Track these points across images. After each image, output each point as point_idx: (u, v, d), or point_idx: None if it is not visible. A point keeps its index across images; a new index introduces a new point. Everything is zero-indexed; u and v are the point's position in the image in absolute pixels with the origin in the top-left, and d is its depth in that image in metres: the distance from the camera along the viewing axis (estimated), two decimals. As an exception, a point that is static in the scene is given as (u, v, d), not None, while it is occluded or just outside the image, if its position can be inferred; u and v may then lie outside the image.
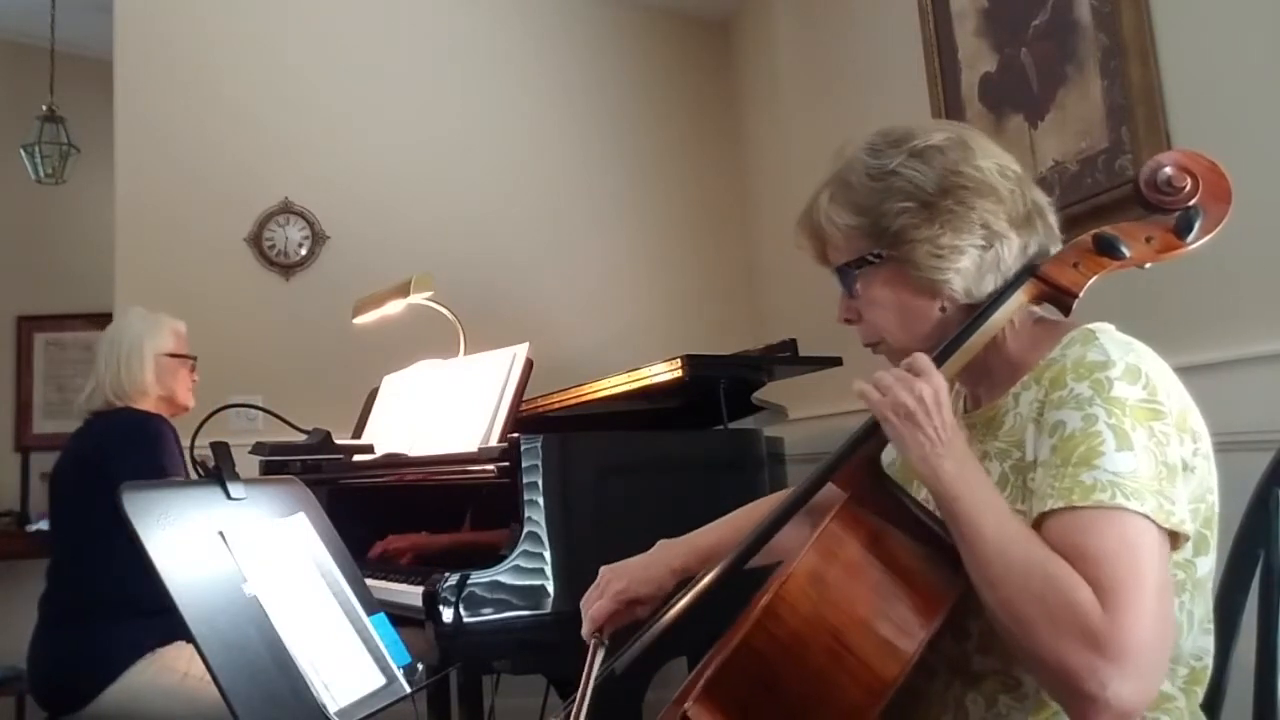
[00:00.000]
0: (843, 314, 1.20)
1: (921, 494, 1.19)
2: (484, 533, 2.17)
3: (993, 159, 1.12)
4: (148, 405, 2.51)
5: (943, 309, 1.12)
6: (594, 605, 1.28)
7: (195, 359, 2.67)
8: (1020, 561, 0.93)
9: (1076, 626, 0.89)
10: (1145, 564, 0.92)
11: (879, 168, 1.12)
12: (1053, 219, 1.15)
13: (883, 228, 1.11)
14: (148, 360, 2.52)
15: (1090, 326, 1.08)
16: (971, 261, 1.09)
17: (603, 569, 1.33)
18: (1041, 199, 1.15)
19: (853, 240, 1.14)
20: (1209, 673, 1.08)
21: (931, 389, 1.01)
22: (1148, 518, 0.94)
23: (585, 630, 1.28)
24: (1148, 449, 0.97)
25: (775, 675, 0.96)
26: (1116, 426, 0.97)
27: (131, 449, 2.36)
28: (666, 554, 1.33)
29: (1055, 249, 1.13)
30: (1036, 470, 1.02)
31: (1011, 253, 1.10)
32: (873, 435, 1.07)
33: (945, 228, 1.08)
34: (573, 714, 1.15)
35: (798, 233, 1.22)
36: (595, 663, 1.22)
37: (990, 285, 1.10)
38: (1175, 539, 0.97)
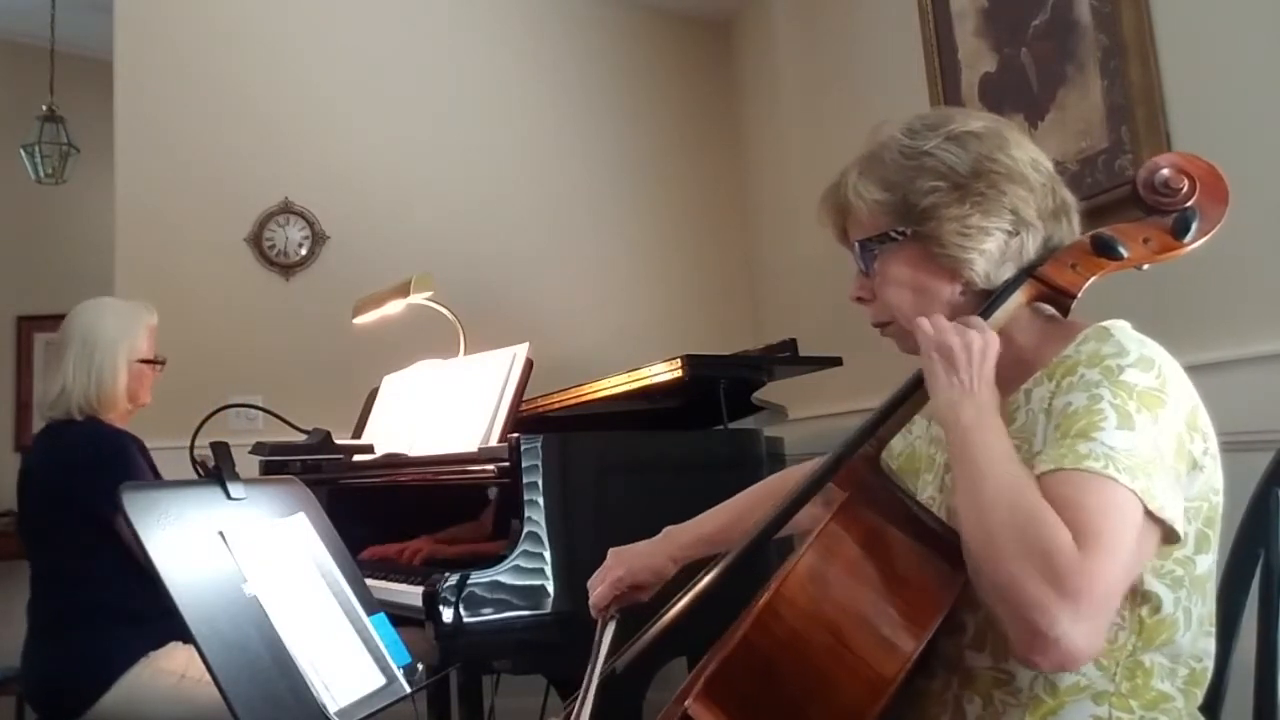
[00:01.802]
0: (855, 291, 1.19)
1: (924, 495, 1.19)
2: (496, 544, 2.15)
3: (1027, 152, 1.12)
4: (114, 416, 2.39)
5: (960, 293, 1.12)
6: (595, 591, 1.36)
7: (164, 362, 2.54)
8: (1009, 500, 0.93)
9: (1045, 561, 0.89)
10: (1126, 529, 0.93)
11: (913, 148, 1.12)
12: (1076, 221, 1.14)
13: (911, 204, 1.11)
14: (121, 370, 2.38)
15: (1105, 324, 1.08)
16: (996, 246, 1.09)
17: (610, 551, 1.40)
18: (1070, 199, 1.15)
19: (877, 216, 1.14)
20: (1209, 675, 1.07)
21: (982, 341, 1.03)
22: (1135, 495, 0.93)
23: (591, 609, 1.37)
24: (1149, 434, 0.97)
25: (776, 672, 0.96)
26: (1120, 407, 0.97)
27: (103, 471, 2.22)
28: (669, 543, 1.39)
29: None
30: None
31: (1035, 244, 1.10)
32: (871, 434, 1.09)
33: (975, 209, 1.08)
34: (585, 677, 1.20)
35: (820, 209, 1.22)
36: (606, 635, 1.30)
37: (1008, 274, 1.10)
38: (1166, 535, 0.97)
